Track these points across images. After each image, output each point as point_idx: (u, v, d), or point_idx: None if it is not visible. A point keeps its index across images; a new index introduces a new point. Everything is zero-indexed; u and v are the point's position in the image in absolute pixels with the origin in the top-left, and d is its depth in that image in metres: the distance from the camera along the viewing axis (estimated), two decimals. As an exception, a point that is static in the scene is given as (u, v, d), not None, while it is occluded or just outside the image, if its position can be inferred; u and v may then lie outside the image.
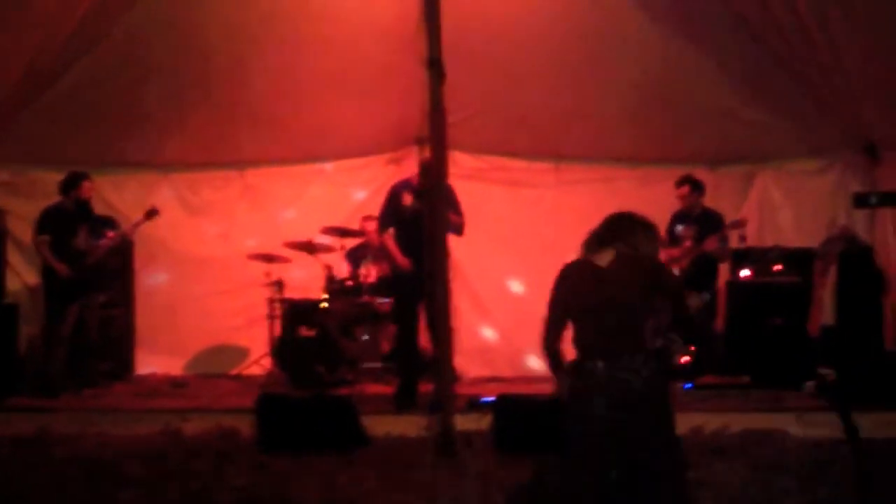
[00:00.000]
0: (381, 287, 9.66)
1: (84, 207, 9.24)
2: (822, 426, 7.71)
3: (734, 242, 9.43)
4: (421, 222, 7.89)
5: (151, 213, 9.56)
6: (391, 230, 8.65)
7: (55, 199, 9.24)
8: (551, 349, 4.79)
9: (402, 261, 8.53)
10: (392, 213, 8.63)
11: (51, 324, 9.09)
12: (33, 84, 8.70)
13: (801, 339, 9.08)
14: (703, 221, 9.26)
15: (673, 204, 9.45)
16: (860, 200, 9.32)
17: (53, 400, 8.61)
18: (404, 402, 8.28)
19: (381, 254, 9.94)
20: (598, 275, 4.65)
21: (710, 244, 9.06)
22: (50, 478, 6.57)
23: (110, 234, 9.52)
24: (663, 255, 9.00)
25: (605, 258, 4.67)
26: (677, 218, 9.40)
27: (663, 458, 4.56)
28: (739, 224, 9.27)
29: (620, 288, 4.58)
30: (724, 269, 9.56)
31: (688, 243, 9.20)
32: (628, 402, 4.51)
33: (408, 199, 8.56)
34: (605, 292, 4.60)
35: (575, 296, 4.70)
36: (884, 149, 9.71)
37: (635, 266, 4.63)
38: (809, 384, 8.79)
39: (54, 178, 9.41)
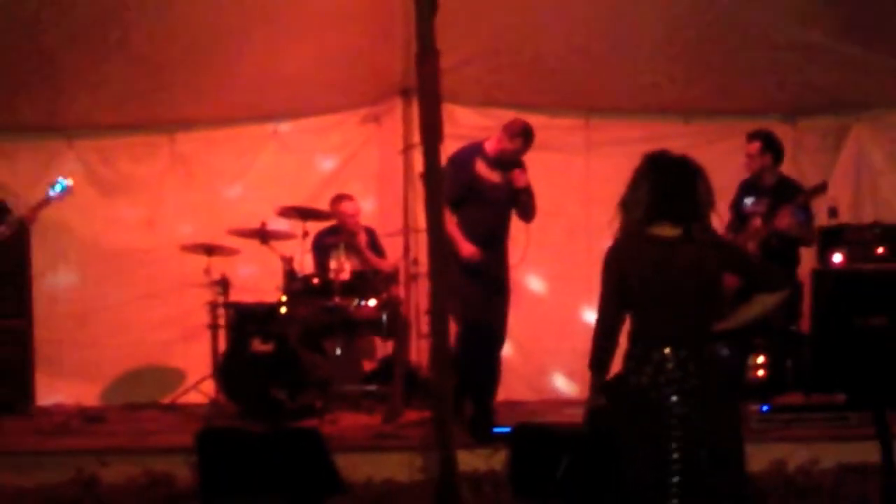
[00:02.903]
0: (356, 286, 9.67)
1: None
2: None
3: (822, 218, 9.43)
4: (503, 204, 8.83)
5: (62, 190, 9.43)
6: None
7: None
8: (606, 347, 5.06)
9: (468, 248, 8.63)
10: (460, 189, 8.65)
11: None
12: None
13: (911, 344, 9.09)
14: (778, 193, 9.22)
15: (739, 170, 9.46)
16: None
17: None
18: (482, 430, 8.38)
19: (356, 242, 10.03)
20: (666, 248, 4.92)
21: (783, 219, 8.98)
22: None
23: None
24: (730, 237, 9.05)
25: (668, 230, 4.93)
26: (746, 189, 9.40)
27: (733, 490, 4.88)
28: (819, 190, 9.21)
29: (694, 265, 4.90)
30: (808, 254, 9.56)
31: (757, 221, 9.18)
32: (702, 400, 4.82)
33: (485, 171, 8.86)
34: (676, 268, 4.90)
35: (638, 270, 4.95)
36: None
37: (705, 241, 4.95)
38: (923, 403, 8.82)
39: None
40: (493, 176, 8.89)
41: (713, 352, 5.06)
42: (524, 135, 8.82)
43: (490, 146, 8.93)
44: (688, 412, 4.78)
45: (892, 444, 5.56)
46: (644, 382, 4.85)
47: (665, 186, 4.95)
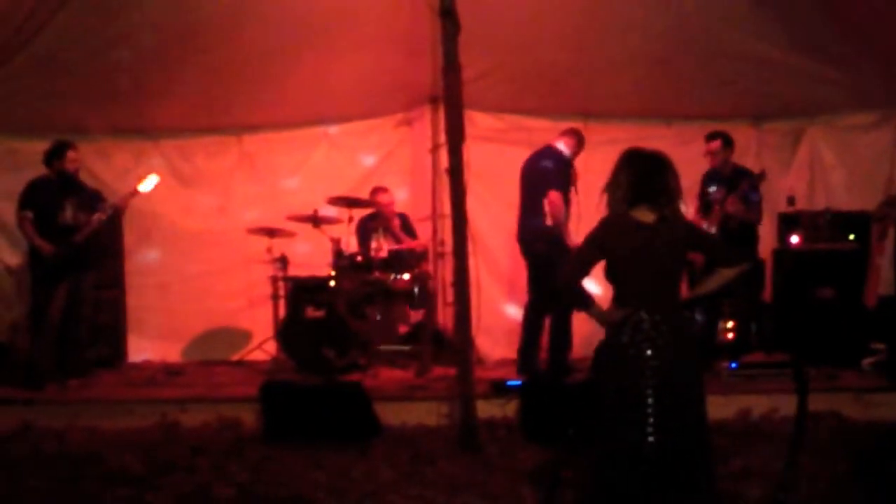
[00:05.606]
0: (393, 262, 9.63)
1: (69, 179, 9.08)
2: (882, 407, 7.69)
3: (782, 205, 9.35)
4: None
5: (148, 181, 9.40)
6: None
7: (37, 171, 9.12)
8: (576, 288, 5.12)
9: (574, 239, 8.73)
10: (563, 182, 8.91)
11: (37, 308, 9.02)
12: (4, 45, 8.62)
13: (856, 312, 9.03)
14: (733, 181, 9.11)
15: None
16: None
17: (38, 391, 8.60)
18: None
19: (392, 226, 9.98)
20: (645, 231, 4.94)
21: (731, 204, 8.90)
22: (37, 475, 6.58)
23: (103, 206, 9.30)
24: (697, 219, 8.98)
25: (647, 215, 4.96)
26: (709, 178, 9.30)
27: (695, 427, 4.90)
28: (759, 178, 9.09)
29: (666, 246, 4.93)
30: (769, 236, 9.49)
31: (717, 208, 9.06)
32: (672, 354, 4.85)
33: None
34: (652, 248, 4.92)
35: (621, 248, 4.98)
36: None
37: (676, 225, 4.99)
38: (867, 361, 8.75)
39: (35, 147, 9.36)
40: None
41: (684, 316, 5.17)
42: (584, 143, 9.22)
43: (567, 148, 9.09)
44: (659, 364, 4.81)
45: (809, 395, 5.55)
46: (624, 340, 4.89)
47: (640, 172, 4.96)
